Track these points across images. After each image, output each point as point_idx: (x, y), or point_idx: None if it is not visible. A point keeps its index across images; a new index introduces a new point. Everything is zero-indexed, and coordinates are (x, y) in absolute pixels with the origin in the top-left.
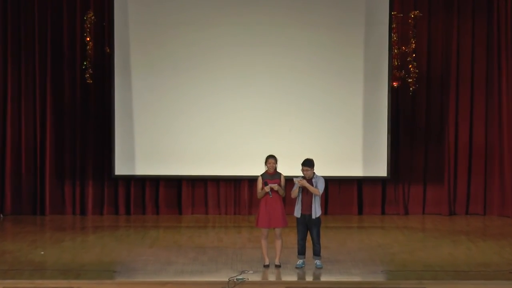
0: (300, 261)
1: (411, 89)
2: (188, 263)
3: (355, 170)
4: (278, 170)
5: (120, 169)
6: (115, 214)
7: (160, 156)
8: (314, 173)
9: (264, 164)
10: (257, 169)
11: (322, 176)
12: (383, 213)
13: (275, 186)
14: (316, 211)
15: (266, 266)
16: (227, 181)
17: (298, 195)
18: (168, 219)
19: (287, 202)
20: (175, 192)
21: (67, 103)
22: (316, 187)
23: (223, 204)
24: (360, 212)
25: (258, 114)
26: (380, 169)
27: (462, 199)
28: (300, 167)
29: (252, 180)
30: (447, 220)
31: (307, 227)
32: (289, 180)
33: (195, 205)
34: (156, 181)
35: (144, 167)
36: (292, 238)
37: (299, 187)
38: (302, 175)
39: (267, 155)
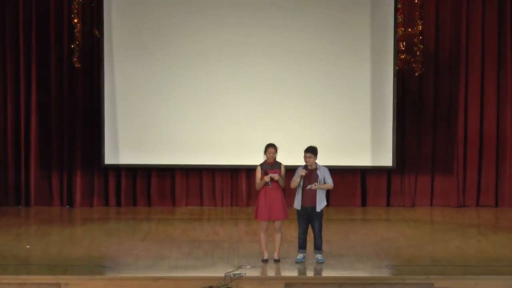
0: (300, 256)
1: (416, 74)
2: (182, 257)
3: (359, 159)
4: (278, 159)
5: (110, 158)
6: (104, 206)
7: (152, 144)
8: (316, 163)
9: (263, 153)
10: (256, 158)
11: (325, 166)
12: (388, 205)
13: (276, 176)
14: (321, 203)
15: (265, 261)
16: (224, 171)
17: (299, 186)
18: (161, 211)
19: (287, 193)
20: (168, 183)
21: (54, 88)
22: (324, 181)
23: (219, 195)
24: (364, 203)
25: (257, 99)
26: (385, 159)
27: (472, 190)
28: (301, 156)
29: (250, 170)
30: (456, 212)
31: (309, 219)
32: (290, 170)
33: (189, 196)
34: (148, 170)
35: (136, 156)
36: (292, 231)
37: (301, 176)
38: (305, 163)
39: (267, 143)
